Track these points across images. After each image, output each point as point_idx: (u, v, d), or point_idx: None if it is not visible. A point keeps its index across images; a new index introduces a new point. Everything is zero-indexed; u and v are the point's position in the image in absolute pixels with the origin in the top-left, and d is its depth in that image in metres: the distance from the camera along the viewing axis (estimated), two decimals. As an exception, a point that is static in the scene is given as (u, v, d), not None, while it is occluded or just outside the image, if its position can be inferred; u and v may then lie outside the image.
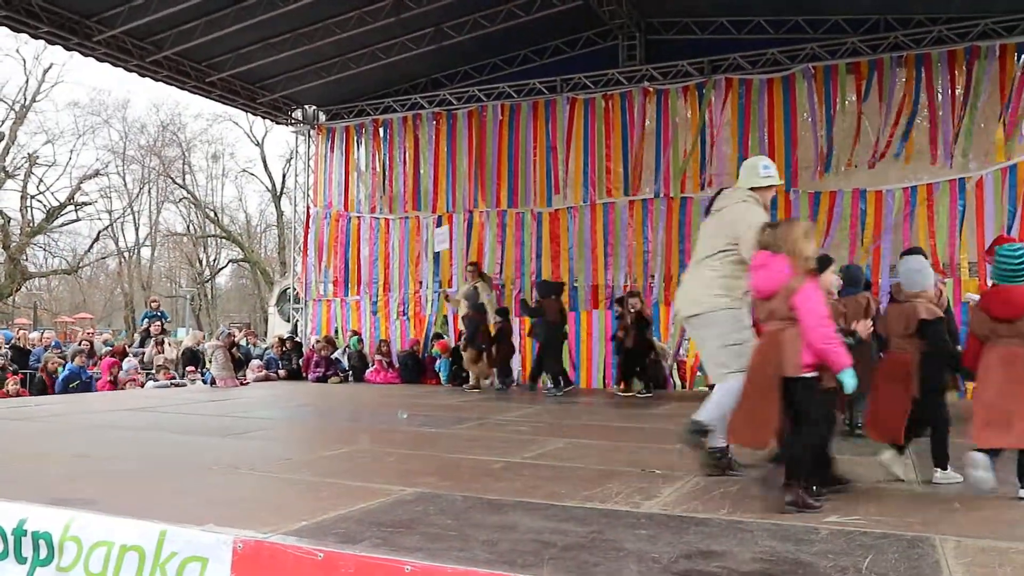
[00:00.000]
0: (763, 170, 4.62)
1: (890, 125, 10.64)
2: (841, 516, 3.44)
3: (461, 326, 11.42)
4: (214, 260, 41.13)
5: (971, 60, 10.32)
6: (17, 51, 44.40)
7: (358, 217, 14.22)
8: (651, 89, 11.98)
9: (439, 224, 13.22)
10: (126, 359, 12.84)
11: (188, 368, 12.70)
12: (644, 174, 12.04)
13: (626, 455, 5.16)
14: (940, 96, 10.67)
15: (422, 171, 13.75)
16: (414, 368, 12.32)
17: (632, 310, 10.31)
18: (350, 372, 12.83)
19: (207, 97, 13.39)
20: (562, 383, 10.42)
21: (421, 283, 13.56)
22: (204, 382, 12.05)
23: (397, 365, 12.75)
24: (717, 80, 11.58)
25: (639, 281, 11.91)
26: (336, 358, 12.84)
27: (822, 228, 10.68)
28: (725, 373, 4.35)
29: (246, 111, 14.56)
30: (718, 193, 4.78)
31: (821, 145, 11.02)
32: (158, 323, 13.58)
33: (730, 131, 11.55)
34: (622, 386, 10.33)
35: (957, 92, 10.44)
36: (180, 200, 38.37)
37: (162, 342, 12.78)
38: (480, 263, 12.13)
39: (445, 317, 13.24)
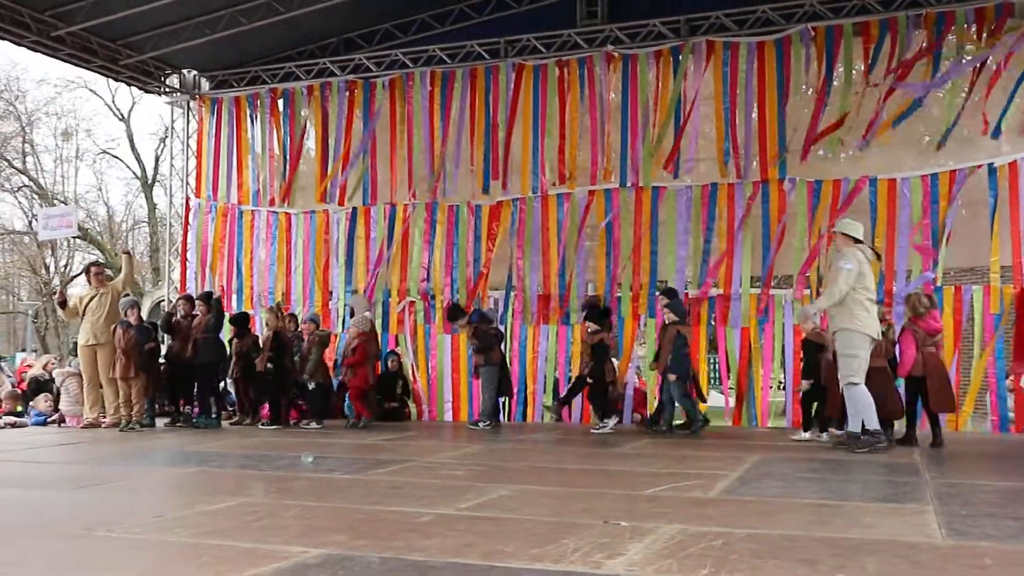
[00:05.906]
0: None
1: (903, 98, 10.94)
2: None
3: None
4: (65, 266, 40.19)
5: (1002, 19, 10.62)
6: None
7: (252, 211, 14.10)
8: (616, 54, 12.13)
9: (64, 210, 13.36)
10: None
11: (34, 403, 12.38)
12: (607, 158, 12.14)
13: (584, 503, 5.19)
14: (963, 61, 10.96)
15: (332, 153, 13.68)
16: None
17: (268, 327, 11.27)
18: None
19: (53, 56, 13.15)
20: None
21: (331, 293, 13.52)
22: (40, 423, 11.70)
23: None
24: (696, 44, 11.77)
25: (600, 290, 11.97)
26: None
27: (820, 223, 10.91)
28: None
29: (106, 76, 14.32)
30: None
31: (820, 122, 11.25)
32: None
33: (711, 107, 11.75)
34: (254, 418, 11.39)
35: (987, 60, 10.72)
36: (19, 189, 37.55)
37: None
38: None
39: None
